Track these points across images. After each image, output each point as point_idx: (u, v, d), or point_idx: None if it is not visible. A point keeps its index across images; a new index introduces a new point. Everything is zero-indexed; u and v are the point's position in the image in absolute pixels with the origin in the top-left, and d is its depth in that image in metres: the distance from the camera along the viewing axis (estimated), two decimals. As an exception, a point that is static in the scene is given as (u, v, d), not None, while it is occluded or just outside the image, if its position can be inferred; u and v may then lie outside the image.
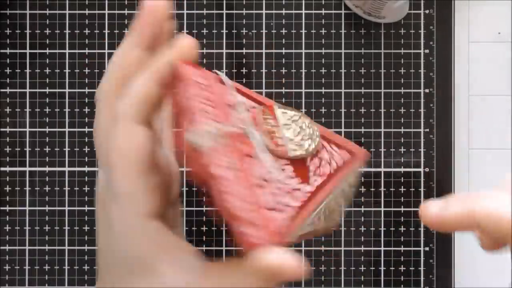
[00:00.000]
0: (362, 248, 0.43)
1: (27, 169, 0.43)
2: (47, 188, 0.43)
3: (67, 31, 0.43)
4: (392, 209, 0.43)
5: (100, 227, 0.26)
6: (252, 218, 0.26)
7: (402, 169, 0.43)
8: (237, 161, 0.27)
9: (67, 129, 0.43)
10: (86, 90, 0.43)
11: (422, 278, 0.43)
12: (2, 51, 0.43)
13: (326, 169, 0.29)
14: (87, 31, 0.43)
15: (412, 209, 0.43)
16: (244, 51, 0.43)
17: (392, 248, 0.43)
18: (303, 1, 0.43)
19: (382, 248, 0.43)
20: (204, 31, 0.43)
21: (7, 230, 0.43)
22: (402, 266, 0.43)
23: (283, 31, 0.43)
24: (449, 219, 0.25)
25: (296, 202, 0.28)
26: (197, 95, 0.28)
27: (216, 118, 0.27)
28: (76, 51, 0.43)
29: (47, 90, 0.43)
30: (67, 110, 0.43)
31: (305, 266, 0.23)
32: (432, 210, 0.26)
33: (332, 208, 0.29)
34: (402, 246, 0.43)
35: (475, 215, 0.24)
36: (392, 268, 0.43)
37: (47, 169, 0.43)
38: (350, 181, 0.31)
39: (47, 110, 0.43)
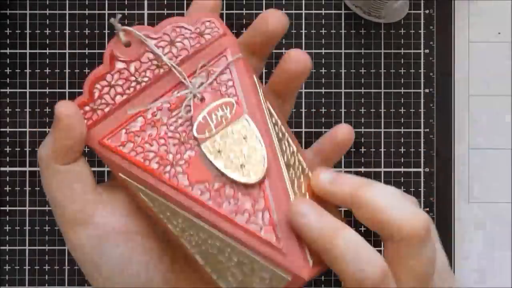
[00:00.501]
0: (362, 248, 0.43)
1: (27, 169, 0.43)
2: (47, 188, 0.43)
3: (67, 31, 0.43)
4: (392, 209, 0.43)
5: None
6: None
7: (402, 169, 0.43)
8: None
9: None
10: (86, 90, 0.43)
11: (422, 278, 0.43)
12: (2, 51, 0.43)
13: (227, 207, 0.26)
14: (87, 31, 0.43)
15: (412, 209, 0.43)
16: (244, 51, 0.43)
17: (392, 248, 0.43)
18: (303, 1, 0.43)
19: (382, 248, 0.43)
20: (204, 31, 0.43)
21: (7, 230, 0.43)
22: (402, 266, 0.43)
23: (283, 31, 0.43)
24: (334, 194, 0.26)
25: (154, 165, 0.27)
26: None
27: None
28: (76, 51, 0.43)
29: (47, 90, 0.43)
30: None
31: None
32: (324, 178, 0.27)
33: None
34: (402, 246, 0.43)
35: (358, 200, 0.25)
36: (392, 268, 0.43)
37: (47, 169, 0.43)
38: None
39: (47, 110, 0.43)
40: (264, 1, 0.43)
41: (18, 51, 0.43)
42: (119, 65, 0.28)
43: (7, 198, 0.43)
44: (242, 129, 0.27)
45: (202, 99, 0.27)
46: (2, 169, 0.43)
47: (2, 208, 0.43)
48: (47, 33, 0.43)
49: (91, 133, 0.27)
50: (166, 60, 0.28)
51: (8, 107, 0.43)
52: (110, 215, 0.28)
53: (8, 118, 0.43)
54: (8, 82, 0.43)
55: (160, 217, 0.27)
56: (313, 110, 0.43)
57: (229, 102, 0.27)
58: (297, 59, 0.28)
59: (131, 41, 0.28)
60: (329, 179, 0.27)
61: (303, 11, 0.43)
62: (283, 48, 0.43)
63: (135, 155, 0.27)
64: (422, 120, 0.43)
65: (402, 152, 0.43)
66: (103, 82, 0.28)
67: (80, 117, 0.27)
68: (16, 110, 0.43)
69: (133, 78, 0.28)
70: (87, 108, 0.28)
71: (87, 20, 0.43)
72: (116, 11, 0.43)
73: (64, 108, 0.26)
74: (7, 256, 0.43)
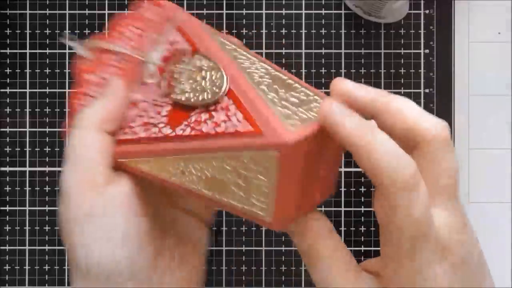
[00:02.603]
0: (362, 248, 0.43)
1: (27, 169, 0.43)
2: (47, 188, 0.43)
3: (67, 31, 0.43)
4: (392, 209, 0.43)
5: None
6: None
7: (402, 169, 0.43)
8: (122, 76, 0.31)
9: (67, 129, 0.43)
10: (86, 90, 0.43)
11: (422, 278, 0.43)
12: (2, 51, 0.43)
13: (206, 127, 0.27)
14: (87, 31, 0.43)
15: (412, 209, 0.43)
16: (244, 51, 0.43)
17: (392, 248, 0.43)
18: (303, 1, 0.43)
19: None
20: (204, 31, 0.43)
21: (7, 230, 0.43)
22: (402, 266, 0.43)
23: (283, 31, 0.43)
24: (358, 98, 0.27)
25: (143, 133, 0.29)
26: (130, 23, 0.31)
27: (130, 42, 0.31)
28: (76, 51, 0.43)
29: (47, 90, 0.43)
30: (67, 110, 0.43)
31: None
32: (348, 83, 0.27)
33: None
34: (402, 246, 0.43)
35: (385, 106, 0.26)
36: (392, 268, 0.43)
37: (47, 169, 0.43)
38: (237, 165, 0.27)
39: (47, 110, 0.43)
40: (264, 1, 0.43)
41: (18, 51, 0.43)
42: (88, 77, 0.31)
43: (7, 198, 0.43)
44: (198, 61, 0.29)
45: (164, 60, 0.30)
46: (2, 169, 0.43)
47: (2, 208, 0.43)
48: (47, 33, 0.43)
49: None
50: (120, 49, 0.31)
51: (8, 107, 0.43)
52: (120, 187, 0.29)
53: (8, 118, 0.43)
54: (8, 82, 0.43)
55: (161, 175, 0.29)
56: (313, 110, 0.43)
57: (184, 49, 0.30)
58: None
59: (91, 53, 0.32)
60: (352, 83, 0.27)
61: (303, 11, 0.43)
62: (283, 48, 0.43)
63: (124, 135, 0.29)
64: (422, 120, 0.43)
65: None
66: (81, 98, 0.31)
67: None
68: (16, 110, 0.43)
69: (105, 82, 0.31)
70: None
71: (87, 20, 0.43)
72: (115, 11, 0.43)
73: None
74: (7, 256, 0.43)
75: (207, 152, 0.27)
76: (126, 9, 0.43)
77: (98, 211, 0.28)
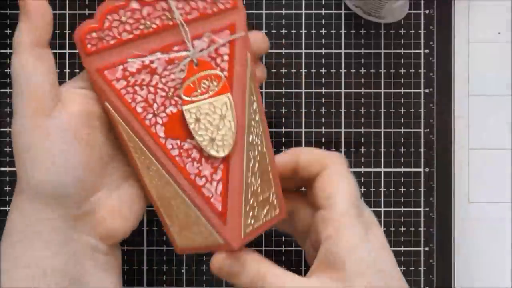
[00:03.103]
0: (362, 248, 0.43)
1: (27, 169, 0.43)
2: (47, 188, 0.43)
3: (67, 31, 0.43)
4: (392, 209, 0.43)
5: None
6: None
7: (402, 169, 0.43)
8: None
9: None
10: (86, 90, 0.43)
11: (422, 278, 0.43)
12: (2, 51, 0.43)
13: (190, 165, 0.30)
14: (87, 31, 0.43)
15: (412, 209, 0.43)
16: (244, 51, 0.43)
17: (392, 248, 0.43)
18: (303, 1, 0.43)
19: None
20: (204, 31, 0.43)
21: (7, 230, 0.43)
22: (402, 266, 0.43)
23: (283, 31, 0.43)
24: (281, 163, 0.33)
25: (139, 107, 0.30)
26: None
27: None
28: (76, 50, 0.43)
29: (47, 90, 0.43)
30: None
31: None
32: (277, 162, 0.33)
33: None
34: (402, 246, 0.43)
35: (298, 156, 0.33)
36: (392, 268, 0.43)
37: (47, 169, 0.43)
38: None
39: (47, 110, 0.43)
40: (264, 1, 0.43)
41: (18, 51, 0.43)
42: (134, 5, 0.29)
43: (7, 198, 0.43)
44: (223, 106, 0.30)
45: (197, 64, 0.30)
46: (2, 169, 0.43)
47: (2, 208, 0.43)
48: (47, 33, 0.43)
49: (92, 59, 0.30)
50: (178, 17, 0.29)
51: (8, 107, 0.43)
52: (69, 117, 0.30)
53: (8, 118, 0.43)
54: (8, 82, 0.43)
55: (131, 150, 0.30)
56: (313, 110, 0.43)
57: (219, 76, 0.30)
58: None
59: None
60: (277, 160, 0.33)
61: (303, 11, 0.43)
62: (283, 48, 0.43)
63: (125, 94, 0.29)
64: (422, 120, 0.43)
65: (402, 152, 0.43)
66: (114, 15, 0.29)
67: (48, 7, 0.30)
68: (16, 110, 0.43)
69: (142, 21, 0.29)
70: (93, 34, 0.29)
71: (87, 20, 0.43)
72: (116, 11, 0.43)
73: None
74: (7, 256, 0.43)
75: (175, 183, 0.30)
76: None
77: (41, 135, 0.29)
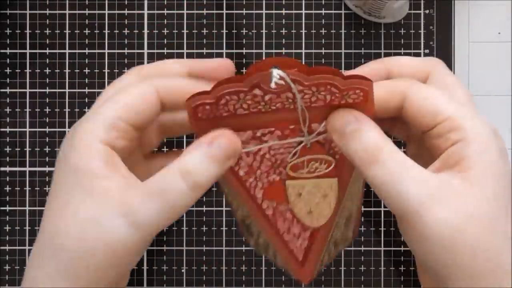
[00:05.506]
0: (362, 248, 0.43)
1: (27, 169, 0.43)
2: (47, 188, 0.43)
3: (67, 31, 0.43)
4: (392, 209, 0.43)
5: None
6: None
7: (402, 169, 0.43)
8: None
9: (67, 129, 0.43)
10: (86, 90, 0.43)
11: (422, 278, 0.43)
12: (2, 51, 0.43)
13: (281, 221, 0.31)
14: (87, 31, 0.43)
15: (412, 209, 0.43)
16: (244, 51, 0.43)
17: (392, 248, 0.43)
18: (303, 1, 0.43)
19: (382, 248, 0.43)
20: (204, 31, 0.43)
21: (7, 230, 0.43)
22: (402, 266, 0.43)
23: (283, 31, 0.43)
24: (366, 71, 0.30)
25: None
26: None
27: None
28: (76, 51, 0.43)
29: (47, 90, 0.43)
30: (67, 110, 0.43)
31: None
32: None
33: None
34: (402, 246, 0.43)
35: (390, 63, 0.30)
36: (392, 268, 0.43)
37: (47, 169, 0.43)
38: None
39: (47, 110, 0.43)
40: (264, 1, 0.43)
41: (18, 51, 0.43)
42: (257, 91, 0.26)
43: (7, 198, 0.43)
44: (327, 188, 0.29)
45: (310, 147, 0.29)
46: (2, 169, 0.43)
47: (2, 208, 0.43)
48: (47, 33, 0.43)
49: (201, 123, 0.27)
50: (300, 104, 0.27)
51: (8, 107, 0.43)
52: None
53: (8, 118, 0.43)
54: (8, 82, 0.43)
55: (230, 199, 0.31)
56: (313, 110, 0.43)
57: (330, 161, 0.29)
58: None
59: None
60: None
61: (303, 11, 0.43)
62: (283, 48, 0.43)
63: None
64: (422, 120, 0.43)
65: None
66: (233, 96, 0.26)
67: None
68: (16, 110, 0.43)
69: (262, 103, 0.27)
70: (207, 107, 0.26)
71: (87, 20, 0.43)
72: (116, 11, 0.43)
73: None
74: (7, 256, 0.43)
75: (266, 234, 0.31)
76: (126, 9, 0.43)
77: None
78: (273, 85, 0.25)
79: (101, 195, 0.25)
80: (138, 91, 0.27)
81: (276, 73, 0.25)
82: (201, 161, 0.26)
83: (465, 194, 0.25)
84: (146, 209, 0.25)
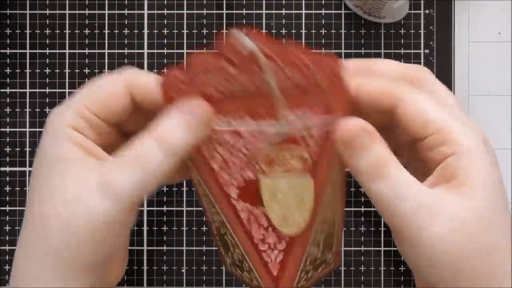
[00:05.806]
0: (362, 248, 0.43)
1: (27, 169, 0.43)
2: (47, 188, 0.43)
3: (67, 31, 0.43)
4: (392, 209, 0.43)
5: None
6: None
7: (402, 169, 0.43)
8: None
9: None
10: (86, 90, 0.43)
11: (422, 278, 0.43)
12: (2, 51, 0.43)
13: (257, 231, 0.30)
14: (87, 31, 0.43)
15: (412, 209, 0.43)
16: (244, 51, 0.43)
17: (392, 248, 0.43)
18: (303, 1, 0.43)
19: (382, 248, 0.43)
20: (204, 31, 0.43)
21: (7, 230, 0.43)
22: (402, 265, 0.43)
23: (283, 31, 0.43)
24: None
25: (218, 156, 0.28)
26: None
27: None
28: (76, 51, 0.43)
29: (47, 90, 0.43)
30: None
31: None
32: (354, 81, 0.28)
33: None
34: (402, 246, 0.43)
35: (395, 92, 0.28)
36: (392, 268, 0.43)
37: (47, 169, 0.43)
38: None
39: (47, 110, 0.43)
40: (264, 1, 0.43)
41: (18, 51, 0.43)
42: (227, 67, 0.27)
43: (7, 198, 0.43)
44: (302, 189, 0.28)
45: (287, 140, 0.28)
46: (2, 169, 0.43)
47: (2, 208, 0.43)
48: (47, 33, 0.43)
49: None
50: (274, 86, 0.27)
51: (8, 107, 0.43)
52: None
53: (8, 118, 0.43)
54: (8, 82, 0.43)
55: (203, 200, 0.30)
56: (313, 110, 0.43)
57: (306, 159, 0.28)
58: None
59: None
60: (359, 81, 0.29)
61: (303, 11, 0.43)
62: (283, 48, 0.43)
63: (204, 149, 0.28)
64: (422, 120, 0.43)
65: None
66: (208, 75, 0.27)
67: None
68: (16, 110, 0.43)
69: (236, 86, 0.27)
70: (180, 85, 0.27)
71: (87, 20, 0.43)
72: (116, 11, 0.43)
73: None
74: (7, 256, 0.43)
75: (238, 239, 0.30)
76: (126, 9, 0.43)
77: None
78: (240, 47, 0.26)
79: (79, 174, 0.26)
80: (104, 83, 0.28)
81: (240, 35, 0.26)
82: (175, 127, 0.26)
83: (461, 208, 0.26)
84: (122, 179, 0.25)
